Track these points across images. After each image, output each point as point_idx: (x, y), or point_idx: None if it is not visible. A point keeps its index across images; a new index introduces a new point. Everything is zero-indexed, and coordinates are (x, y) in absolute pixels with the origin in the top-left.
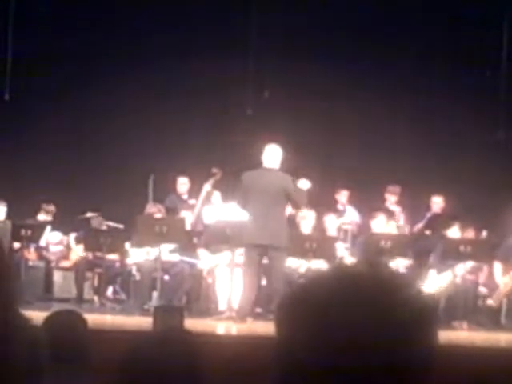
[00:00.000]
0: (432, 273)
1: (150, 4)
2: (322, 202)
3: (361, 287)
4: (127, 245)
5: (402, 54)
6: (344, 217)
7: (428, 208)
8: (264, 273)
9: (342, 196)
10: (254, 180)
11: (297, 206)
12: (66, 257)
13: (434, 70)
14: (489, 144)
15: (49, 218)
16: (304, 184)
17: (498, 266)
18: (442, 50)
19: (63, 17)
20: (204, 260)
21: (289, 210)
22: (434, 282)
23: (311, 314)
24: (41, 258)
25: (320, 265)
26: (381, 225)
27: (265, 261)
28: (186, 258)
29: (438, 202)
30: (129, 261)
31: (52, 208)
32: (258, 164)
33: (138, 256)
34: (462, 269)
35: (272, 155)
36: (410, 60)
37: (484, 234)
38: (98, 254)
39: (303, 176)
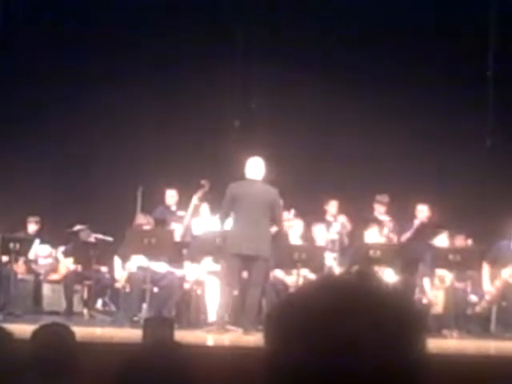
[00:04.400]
0: (425, 282)
1: (138, 16)
2: (310, 212)
3: (350, 297)
4: (116, 259)
5: (391, 63)
6: (333, 227)
7: (414, 217)
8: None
9: (331, 207)
10: (242, 190)
11: (277, 222)
12: (54, 270)
13: (421, 79)
14: (477, 152)
15: (37, 227)
16: None
17: (486, 269)
18: (429, 58)
19: (50, 33)
20: (190, 272)
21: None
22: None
23: (300, 324)
24: (30, 271)
25: (309, 275)
26: (374, 236)
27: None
28: (174, 270)
29: (423, 211)
30: (117, 275)
31: (37, 219)
32: (241, 176)
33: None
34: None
35: (256, 167)
36: (398, 70)
37: (469, 242)
38: (87, 266)
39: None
